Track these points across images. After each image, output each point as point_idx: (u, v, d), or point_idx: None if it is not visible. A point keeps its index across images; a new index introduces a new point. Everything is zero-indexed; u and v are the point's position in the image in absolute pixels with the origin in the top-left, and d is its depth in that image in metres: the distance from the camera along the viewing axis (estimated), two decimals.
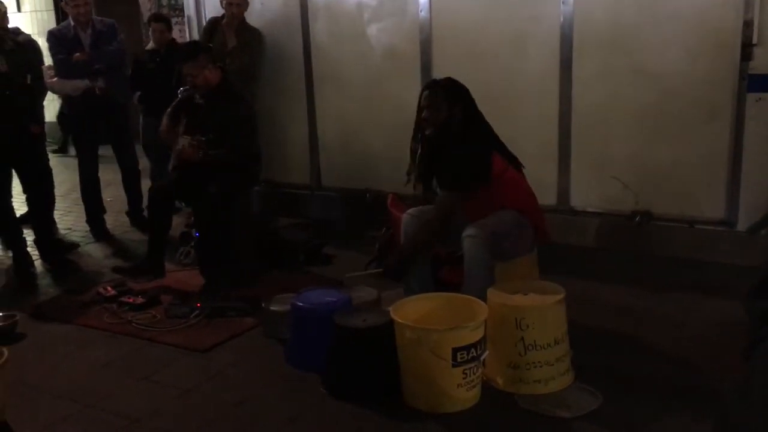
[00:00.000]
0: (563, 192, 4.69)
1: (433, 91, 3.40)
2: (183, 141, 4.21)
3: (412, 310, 2.91)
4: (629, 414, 2.68)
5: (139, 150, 5.86)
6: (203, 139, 4.15)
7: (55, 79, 5.53)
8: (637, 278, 4.06)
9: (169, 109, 4.41)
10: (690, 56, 4.17)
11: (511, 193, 3.38)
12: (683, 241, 4.37)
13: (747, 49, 3.99)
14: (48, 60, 5.82)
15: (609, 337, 3.36)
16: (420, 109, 3.44)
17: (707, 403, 2.70)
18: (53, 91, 5.72)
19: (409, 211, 3.52)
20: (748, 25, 3.96)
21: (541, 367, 2.83)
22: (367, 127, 5.41)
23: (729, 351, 3.10)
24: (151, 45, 5.78)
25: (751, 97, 4.05)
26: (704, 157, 4.25)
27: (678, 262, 4.23)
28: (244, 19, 5.50)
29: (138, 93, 5.74)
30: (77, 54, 5.29)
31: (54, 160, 6.19)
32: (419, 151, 3.54)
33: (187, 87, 4.31)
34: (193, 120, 4.30)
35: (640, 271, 4.17)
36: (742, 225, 4.21)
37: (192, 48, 4.47)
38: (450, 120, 3.34)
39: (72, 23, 5.38)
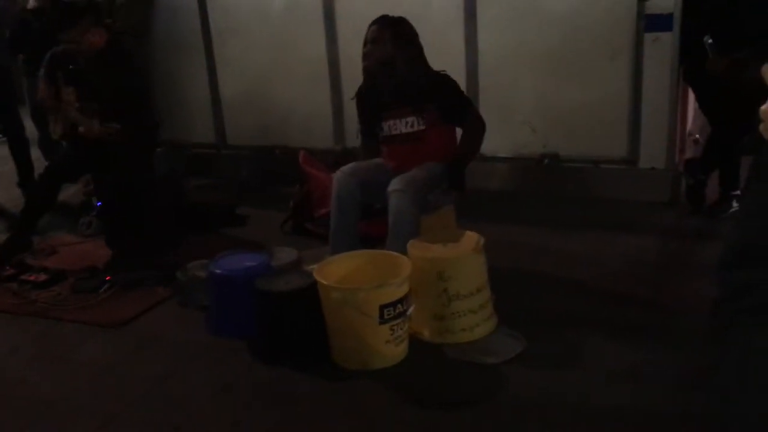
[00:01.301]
0: None
1: (381, 27, 3.39)
2: (89, 123, 3.91)
3: (335, 270, 2.87)
4: (554, 353, 2.76)
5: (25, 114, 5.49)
6: (117, 126, 3.88)
7: None
8: (549, 219, 4.16)
9: (42, 70, 4.05)
10: None
11: (445, 143, 3.39)
12: (590, 181, 4.51)
13: None
14: None
15: (528, 279, 3.44)
16: (365, 43, 3.41)
17: (629, 336, 2.83)
18: None
19: (342, 169, 3.38)
20: None
21: (465, 315, 2.86)
22: (272, 81, 5.26)
23: (644, 284, 3.27)
24: (32, 3, 5.35)
25: (648, 36, 4.16)
26: (607, 98, 4.37)
27: (586, 201, 4.37)
28: None
29: (21, 55, 5.34)
30: None
31: None
32: (360, 87, 3.53)
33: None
34: (82, 87, 3.99)
35: (552, 213, 4.28)
36: (643, 162, 4.38)
37: (70, 13, 4.01)
38: (394, 57, 3.33)
39: None
